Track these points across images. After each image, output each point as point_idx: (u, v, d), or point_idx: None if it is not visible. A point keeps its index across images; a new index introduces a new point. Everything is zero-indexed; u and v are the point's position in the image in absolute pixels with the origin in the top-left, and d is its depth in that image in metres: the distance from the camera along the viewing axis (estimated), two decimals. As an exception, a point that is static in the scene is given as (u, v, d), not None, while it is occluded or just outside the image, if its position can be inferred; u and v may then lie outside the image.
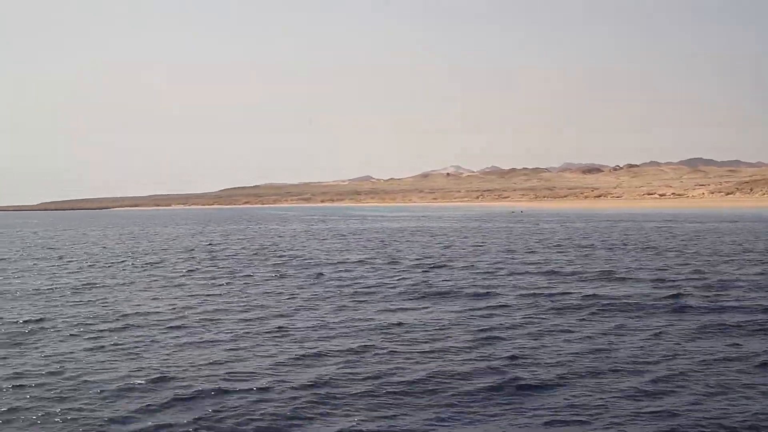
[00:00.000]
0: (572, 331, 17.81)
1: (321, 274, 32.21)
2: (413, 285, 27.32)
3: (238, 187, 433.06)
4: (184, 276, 32.77)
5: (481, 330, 18.08)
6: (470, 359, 15.09)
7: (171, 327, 19.40)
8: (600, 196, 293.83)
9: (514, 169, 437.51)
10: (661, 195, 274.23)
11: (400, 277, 30.27)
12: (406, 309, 21.91)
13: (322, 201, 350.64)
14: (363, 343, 16.73)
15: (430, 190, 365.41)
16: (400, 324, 19.10)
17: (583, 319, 19.40)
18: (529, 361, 14.85)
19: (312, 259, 40.68)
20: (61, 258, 45.53)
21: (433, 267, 34.43)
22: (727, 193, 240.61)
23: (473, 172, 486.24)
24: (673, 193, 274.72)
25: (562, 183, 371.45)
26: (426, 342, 16.86)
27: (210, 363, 15.17)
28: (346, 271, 33.69)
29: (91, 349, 16.74)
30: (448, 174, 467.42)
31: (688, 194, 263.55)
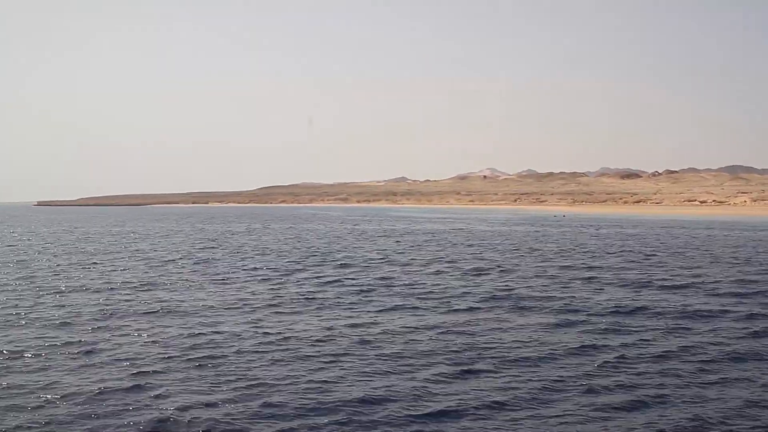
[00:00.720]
0: (698, 349, 16.12)
1: (388, 278, 30.75)
2: (490, 292, 25.66)
3: (275, 186, 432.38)
4: (241, 277, 31.47)
5: (591, 348, 16.38)
6: (608, 385, 13.40)
7: (245, 334, 18.04)
8: (639, 202, 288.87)
9: (551, 173, 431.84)
10: (702, 202, 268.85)
11: (473, 283, 28.65)
12: (496, 319, 20.26)
13: (358, 201, 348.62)
14: (471, 363, 15.13)
15: (467, 192, 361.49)
16: (497, 338, 17.51)
17: (705, 337, 17.63)
18: (671, 392, 13.11)
19: (374, 260, 39.21)
20: (115, 256, 44.61)
21: (504, 272, 32.82)
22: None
23: (509, 174, 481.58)
24: (714, 200, 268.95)
25: (601, 188, 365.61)
26: (544, 366, 14.98)
27: (314, 387, 13.58)
28: (412, 274, 32.22)
29: (167, 359, 15.44)
30: (484, 176, 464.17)
31: (729, 201, 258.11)
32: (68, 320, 20.04)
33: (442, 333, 18.24)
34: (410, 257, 41.87)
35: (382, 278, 30.67)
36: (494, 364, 14.98)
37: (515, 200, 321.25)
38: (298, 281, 29.85)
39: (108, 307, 22.38)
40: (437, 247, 51.02)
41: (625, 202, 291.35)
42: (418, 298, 24.60)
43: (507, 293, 25.56)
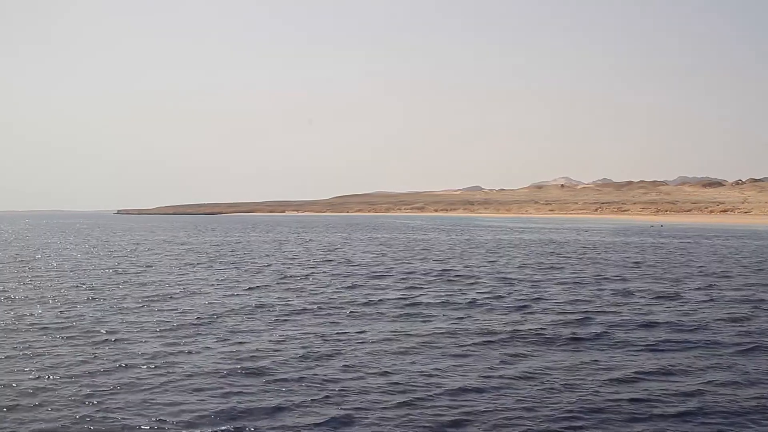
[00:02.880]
0: None
1: (539, 298, 27.72)
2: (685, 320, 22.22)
3: (351, 195, 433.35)
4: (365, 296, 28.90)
5: None
6: None
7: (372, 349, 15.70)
8: (726, 211, 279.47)
9: (630, 182, 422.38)
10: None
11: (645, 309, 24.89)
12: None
13: (435, 210, 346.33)
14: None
15: (545, 201, 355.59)
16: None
17: None
18: None
19: (511, 279, 35.93)
20: (238, 266, 42.95)
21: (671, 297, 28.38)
22: None
23: (586, 183, 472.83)
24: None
25: (683, 197, 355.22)
26: None
27: None
28: (563, 292, 29.11)
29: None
30: (562, 185, 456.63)
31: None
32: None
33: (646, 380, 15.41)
34: (544, 274, 38.89)
35: (536, 297, 27.85)
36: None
37: (596, 209, 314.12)
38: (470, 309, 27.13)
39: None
40: (557, 260, 47.80)
41: (711, 212, 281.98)
42: (614, 336, 21.50)
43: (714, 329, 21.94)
